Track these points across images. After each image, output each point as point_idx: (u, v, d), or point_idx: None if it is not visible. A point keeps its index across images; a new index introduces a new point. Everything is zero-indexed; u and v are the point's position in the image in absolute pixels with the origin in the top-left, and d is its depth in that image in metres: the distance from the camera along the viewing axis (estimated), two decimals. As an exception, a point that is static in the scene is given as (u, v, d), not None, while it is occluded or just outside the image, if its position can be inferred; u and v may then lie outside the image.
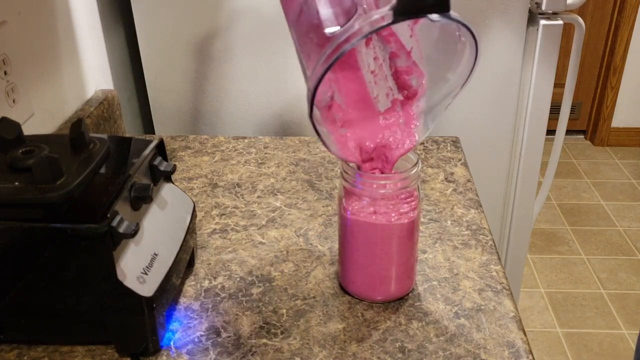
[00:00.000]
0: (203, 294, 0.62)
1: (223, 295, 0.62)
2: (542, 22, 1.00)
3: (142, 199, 0.55)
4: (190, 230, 0.63)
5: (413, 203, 0.57)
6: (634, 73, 2.75)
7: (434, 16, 0.43)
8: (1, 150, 0.53)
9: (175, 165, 0.62)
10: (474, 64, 0.48)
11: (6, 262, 0.51)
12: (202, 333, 0.57)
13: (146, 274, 0.53)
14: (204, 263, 0.67)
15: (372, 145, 0.56)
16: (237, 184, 0.82)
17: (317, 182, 0.83)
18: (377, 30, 0.44)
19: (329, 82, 0.52)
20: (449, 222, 0.73)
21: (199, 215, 0.75)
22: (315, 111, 0.47)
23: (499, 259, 0.67)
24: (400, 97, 0.55)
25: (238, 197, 0.79)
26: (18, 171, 0.51)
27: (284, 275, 0.65)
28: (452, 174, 0.84)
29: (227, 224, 0.74)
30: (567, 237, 2.26)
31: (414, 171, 0.55)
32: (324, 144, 0.51)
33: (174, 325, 0.58)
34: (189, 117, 1.10)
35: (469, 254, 0.67)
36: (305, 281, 0.64)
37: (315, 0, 0.48)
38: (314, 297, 0.62)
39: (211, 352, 0.55)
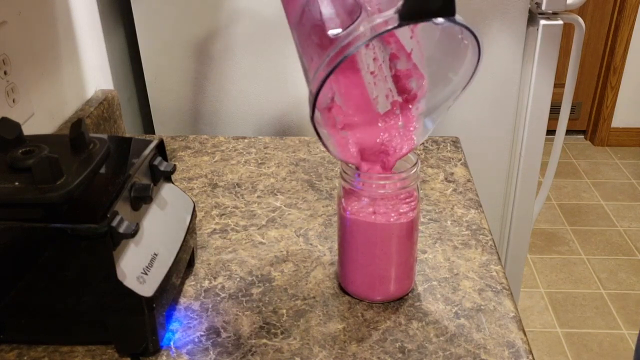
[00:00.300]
0: (203, 294, 0.63)
1: (223, 295, 0.62)
2: (542, 22, 1.00)
3: (142, 199, 0.55)
4: (190, 230, 0.63)
5: (412, 203, 0.57)
6: (634, 73, 2.75)
7: (439, 20, 0.43)
8: (1, 150, 0.53)
9: (175, 165, 0.62)
10: (476, 67, 0.48)
11: (6, 262, 0.51)
12: (202, 333, 0.57)
13: (146, 274, 0.53)
14: (204, 263, 0.67)
15: (371, 147, 0.56)
16: (237, 184, 0.82)
17: (317, 182, 0.83)
18: (382, 34, 0.44)
19: (329, 83, 0.52)
20: (449, 222, 0.73)
21: (199, 215, 0.75)
22: (316, 113, 0.47)
23: (499, 259, 0.67)
24: (400, 99, 0.55)
25: (238, 197, 0.79)
26: (18, 171, 0.51)
27: (284, 275, 0.65)
28: (452, 174, 0.84)
29: (227, 224, 0.74)
30: (567, 237, 2.26)
31: (413, 171, 0.55)
32: (325, 146, 0.51)
33: (174, 325, 0.58)
34: (189, 117, 1.10)
35: (469, 254, 0.67)
36: (305, 281, 0.64)
37: (318, 1, 0.48)
38: (314, 297, 0.62)
39: (211, 352, 0.55)
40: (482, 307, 0.60)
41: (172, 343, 0.56)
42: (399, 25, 0.43)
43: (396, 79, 0.54)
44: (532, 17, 1.01)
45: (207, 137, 0.96)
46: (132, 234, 0.50)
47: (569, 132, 2.90)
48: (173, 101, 1.08)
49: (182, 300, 0.62)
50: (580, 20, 1.05)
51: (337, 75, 0.52)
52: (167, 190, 0.62)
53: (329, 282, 0.64)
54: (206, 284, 0.64)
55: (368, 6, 0.46)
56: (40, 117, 0.82)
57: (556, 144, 1.18)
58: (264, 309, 0.60)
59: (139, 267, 0.53)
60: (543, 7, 1.00)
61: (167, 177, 0.64)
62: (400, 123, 0.55)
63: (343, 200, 0.58)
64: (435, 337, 0.56)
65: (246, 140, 0.94)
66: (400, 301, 0.61)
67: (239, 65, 1.04)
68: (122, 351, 0.55)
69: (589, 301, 1.95)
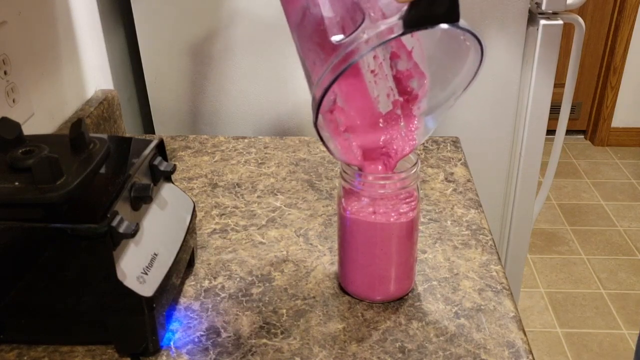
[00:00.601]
0: (203, 294, 0.63)
1: (223, 295, 0.62)
2: (542, 22, 1.00)
3: (142, 199, 0.55)
4: (190, 230, 0.63)
5: (412, 203, 0.57)
6: (634, 73, 2.75)
7: (444, 25, 0.42)
8: (1, 150, 0.53)
9: (175, 165, 0.62)
10: (478, 69, 0.47)
11: (6, 262, 0.51)
12: (202, 333, 0.57)
13: (146, 274, 0.53)
14: (204, 263, 0.67)
15: (374, 148, 0.56)
16: (237, 184, 0.82)
17: (317, 182, 0.83)
18: (387, 42, 0.44)
19: (332, 87, 0.52)
20: (449, 222, 0.73)
21: (199, 215, 0.75)
22: (319, 117, 0.47)
23: (499, 259, 0.67)
24: (401, 100, 0.55)
25: (238, 197, 0.79)
26: (18, 171, 0.51)
27: (284, 275, 0.65)
28: (452, 174, 0.84)
29: (227, 224, 0.74)
30: (567, 237, 2.26)
31: (413, 171, 0.55)
32: (327, 148, 0.51)
33: (174, 325, 0.58)
34: (189, 117, 1.10)
35: (469, 254, 0.67)
36: (305, 281, 0.64)
37: (319, 5, 0.48)
38: (313, 297, 0.62)
39: (211, 352, 0.55)
40: (482, 307, 0.60)
41: (172, 343, 0.56)
42: (404, 33, 0.42)
43: (397, 80, 0.54)
44: (532, 17, 1.01)
45: (207, 137, 0.96)
46: (132, 234, 0.50)
47: (569, 132, 2.90)
48: (173, 101, 1.08)
49: (182, 300, 0.62)
50: (580, 20, 1.05)
51: (339, 78, 0.52)
52: (167, 190, 0.62)
53: (329, 282, 0.64)
54: (206, 284, 0.64)
55: (371, 11, 0.46)
56: (40, 117, 0.82)
57: (556, 144, 1.18)
58: (264, 309, 0.60)
59: (139, 267, 0.53)
60: (543, 7, 1.00)
61: (167, 177, 0.64)
62: (401, 123, 0.55)
63: (343, 200, 0.58)
64: (435, 337, 0.56)
65: (246, 140, 0.94)
66: (400, 301, 0.61)
67: (239, 65, 1.04)
68: (122, 351, 0.55)
69: (589, 301, 1.95)
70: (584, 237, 2.26)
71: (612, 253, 2.17)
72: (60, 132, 0.85)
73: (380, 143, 0.56)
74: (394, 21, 0.43)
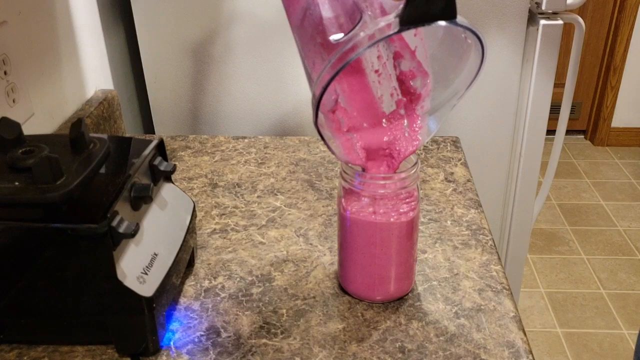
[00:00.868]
0: (203, 294, 0.63)
1: (223, 295, 0.62)
2: (542, 22, 1.00)
3: (142, 199, 0.55)
4: (190, 230, 0.63)
5: (412, 203, 0.57)
6: (634, 73, 2.75)
7: (441, 22, 0.43)
8: (1, 150, 0.53)
9: (175, 165, 0.62)
10: (480, 67, 0.48)
11: (6, 262, 0.51)
12: (202, 333, 0.57)
13: (146, 274, 0.53)
14: (204, 263, 0.67)
15: (377, 147, 0.56)
16: (237, 184, 0.82)
17: (317, 182, 0.83)
18: (384, 39, 0.44)
19: (333, 86, 0.52)
20: (449, 222, 0.73)
21: (199, 215, 0.75)
22: (320, 116, 0.47)
23: (499, 259, 0.67)
24: (404, 99, 0.55)
25: (238, 197, 0.79)
26: (18, 171, 0.51)
27: (284, 275, 0.65)
28: (452, 173, 0.84)
29: (227, 224, 0.74)
30: (567, 237, 2.26)
31: (413, 171, 0.55)
32: (329, 148, 0.51)
33: (174, 325, 0.58)
34: (189, 117, 1.10)
35: (469, 254, 0.67)
36: (305, 281, 0.64)
37: (319, 5, 0.48)
38: (314, 297, 0.62)
39: (211, 352, 0.55)
40: (482, 307, 0.60)
41: (172, 343, 0.56)
42: (400, 31, 0.42)
43: (400, 81, 0.54)
44: (532, 17, 1.01)
45: (207, 137, 0.96)
46: (132, 234, 0.50)
47: (569, 132, 2.91)
48: (173, 101, 1.08)
49: (182, 300, 0.62)
50: (580, 20, 1.05)
51: (341, 77, 0.52)
52: (167, 190, 0.62)
53: (329, 282, 0.64)
54: (206, 284, 0.64)
55: (369, 10, 0.46)
56: (40, 117, 0.82)
57: (556, 144, 1.18)
58: (264, 308, 0.60)
59: (139, 267, 0.53)
60: (543, 7, 1.00)
61: (167, 177, 0.64)
62: (405, 123, 0.55)
63: (343, 200, 0.58)
64: (435, 337, 0.56)
65: (246, 140, 0.94)
66: (400, 301, 0.61)
67: (239, 65, 1.04)
68: (122, 351, 0.55)
69: (589, 301, 1.95)
70: (584, 237, 2.26)
71: (612, 253, 2.17)
72: (60, 132, 0.85)
73: (384, 143, 0.56)
74: (391, 19, 0.43)
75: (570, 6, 1.01)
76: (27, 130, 0.62)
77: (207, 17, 1.01)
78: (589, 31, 2.71)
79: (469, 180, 0.82)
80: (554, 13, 1.01)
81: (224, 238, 0.71)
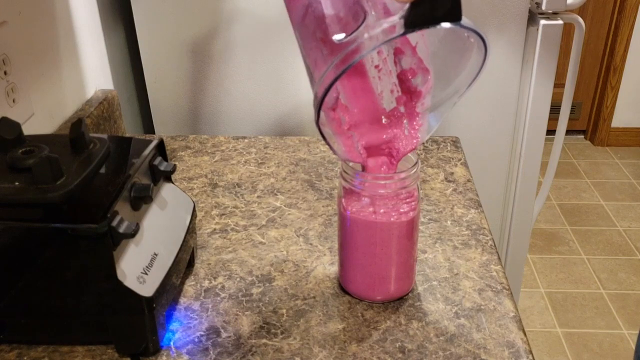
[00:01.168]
0: (203, 294, 0.63)
1: (223, 295, 0.62)
2: (542, 22, 1.00)
3: (142, 199, 0.55)
4: (190, 230, 0.63)
5: (413, 203, 0.57)
6: (634, 73, 2.75)
7: (446, 25, 0.42)
8: (1, 150, 0.53)
9: (175, 165, 0.62)
10: (482, 66, 0.47)
11: (6, 262, 0.51)
12: (202, 333, 0.57)
13: (146, 274, 0.53)
14: (204, 263, 0.67)
15: (378, 145, 0.56)
16: (237, 184, 0.82)
17: (317, 182, 0.83)
18: (388, 42, 0.44)
19: (334, 85, 0.52)
20: (449, 222, 0.73)
21: (199, 215, 0.75)
22: (321, 114, 0.47)
23: (499, 259, 0.67)
24: (404, 97, 0.55)
25: (238, 197, 0.79)
26: (18, 171, 0.51)
27: (284, 275, 0.65)
28: (452, 173, 0.84)
29: (227, 224, 0.74)
30: (567, 237, 2.26)
31: (413, 171, 0.55)
32: (330, 146, 0.51)
33: (174, 325, 0.58)
34: (189, 117, 1.10)
35: (469, 254, 0.67)
36: (305, 281, 0.64)
37: (321, 2, 0.48)
38: (313, 297, 0.62)
39: (211, 352, 0.55)
40: (482, 307, 0.60)
41: (172, 343, 0.56)
42: (405, 33, 0.42)
43: (400, 80, 0.54)
44: (532, 17, 1.01)
45: (207, 137, 0.96)
46: (132, 234, 0.50)
47: (569, 132, 2.90)
48: (173, 101, 1.08)
49: (182, 300, 0.62)
50: (580, 20, 1.05)
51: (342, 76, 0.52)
52: (167, 190, 0.62)
53: (329, 282, 0.64)
54: (206, 284, 0.64)
55: (372, 10, 0.46)
56: (40, 117, 0.82)
57: (556, 144, 1.18)
58: (264, 309, 0.60)
59: (139, 267, 0.53)
60: (543, 7, 1.00)
61: (167, 177, 0.64)
62: (405, 121, 0.55)
63: (343, 200, 0.58)
64: (435, 337, 0.56)
65: (246, 140, 0.94)
66: (400, 301, 0.61)
67: (239, 65, 1.04)
68: (122, 351, 0.55)
69: (589, 301, 1.95)
70: (584, 237, 2.26)
71: (612, 253, 2.17)
72: (60, 132, 0.85)
73: (384, 140, 0.56)
74: (396, 20, 0.43)
75: (570, 6, 1.01)
76: (27, 130, 0.62)
77: (207, 17, 1.01)
78: (589, 31, 2.71)
79: (469, 180, 0.82)
80: (554, 13, 1.01)
81: (224, 238, 0.71)
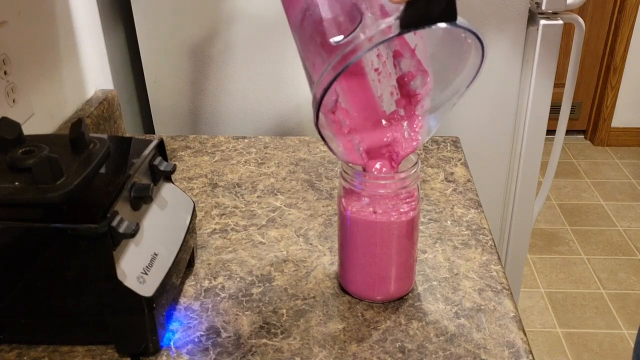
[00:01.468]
0: (203, 294, 0.63)
1: (223, 295, 0.62)
2: (542, 22, 1.00)
3: (142, 199, 0.55)
4: (190, 230, 0.63)
5: (413, 203, 0.57)
6: (634, 73, 2.75)
7: (441, 24, 0.42)
8: (1, 150, 0.53)
9: (175, 165, 0.62)
10: (480, 67, 0.47)
11: (6, 262, 0.51)
12: (202, 333, 0.57)
13: (146, 274, 0.53)
14: (204, 263, 0.67)
15: (378, 147, 0.56)
16: (237, 184, 0.82)
17: (317, 182, 0.83)
18: (384, 42, 0.44)
19: (333, 86, 0.52)
20: (449, 222, 0.73)
21: (199, 215, 0.75)
22: (320, 116, 0.47)
23: (499, 259, 0.67)
24: (404, 100, 0.55)
25: (238, 197, 0.79)
26: (18, 171, 0.51)
27: (284, 275, 0.65)
28: (452, 173, 0.84)
29: (227, 224, 0.74)
30: (567, 237, 2.26)
31: (413, 171, 0.55)
32: (330, 148, 0.51)
33: (174, 325, 0.58)
34: (189, 117, 1.10)
35: (469, 254, 0.67)
36: (305, 281, 0.64)
37: (318, 6, 0.48)
38: (314, 297, 0.62)
39: (211, 352, 0.55)
40: (482, 307, 0.60)
41: (172, 343, 0.56)
42: (400, 33, 0.42)
43: (400, 85, 0.54)
44: (532, 17, 1.01)
45: (207, 137, 0.96)
46: (132, 234, 0.50)
47: (569, 132, 2.90)
48: (173, 101, 1.08)
49: (182, 300, 0.62)
50: (580, 20, 1.05)
51: (341, 77, 0.52)
52: (167, 190, 0.62)
53: (329, 282, 0.64)
54: (206, 284, 0.64)
55: (369, 12, 0.46)
56: (40, 117, 0.82)
57: (556, 144, 1.18)
58: (264, 309, 0.60)
59: (139, 267, 0.53)
60: (543, 7, 1.00)
61: (167, 177, 0.64)
62: (404, 123, 0.55)
63: (343, 200, 0.58)
64: (435, 337, 0.56)
65: (246, 140, 0.94)
66: (400, 301, 0.61)
67: (239, 65, 1.04)
68: (122, 351, 0.55)
69: (589, 301, 1.95)
70: (584, 237, 2.26)
71: (612, 253, 2.17)
72: (60, 132, 0.85)
73: (384, 143, 0.56)
74: (391, 21, 0.43)
75: (570, 6, 1.01)
76: (27, 130, 0.62)
77: (207, 17, 1.01)
78: (589, 31, 2.71)
79: (469, 180, 0.82)
80: (554, 13, 1.01)
81: (224, 238, 0.71)
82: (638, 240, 2.23)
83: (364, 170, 0.56)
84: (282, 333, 0.57)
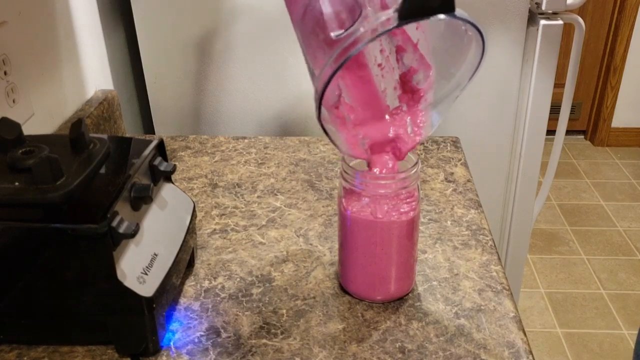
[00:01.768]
0: (203, 294, 0.62)
1: (223, 295, 0.62)
2: (542, 22, 1.00)
3: (142, 199, 0.55)
4: (190, 231, 0.63)
5: (413, 203, 0.57)
6: (634, 73, 2.75)
7: (440, 16, 0.43)
8: (1, 151, 0.53)
9: (175, 166, 0.62)
10: (481, 59, 0.48)
11: (6, 262, 0.51)
12: (202, 333, 0.57)
13: (146, 274, 0.53)
14: (204, 263, 0.67)
15: (381, 142, 0.56)
16: (237, 184, 0.82)
17: (317, 182, 0.83)
18: (383, 34, 0.44)
19: (336, 81, 0.52)
20: (449, 222, 0.73)
21: (199, 215, 0.75)
22: (323, 110, 0.47)
23: (499, 259, 0.67)
24: (407, 96, 0.55)
25: (238, 197, 0.79)
26: (18, 171, 0.51)
27: (284, 275, 0.65)
28: (452, 174, 0.84)
29: (227, 224, 0.74)
30: (567, 237, 2.26)
31: (413, 171, 0.55)
32: (333, 143, 0.51)
33: (174, 326, 0.58)
34: (189, 117, 1.10)
35: (469, 254, 0.67)
36: (305, 281, 0.64)
37: (319, 0, 0.48)
38: (314, 297, 0.62)
39: (211, 353, 0.55)
40: (482, 307, 0.60)
41: (172, 343, 0.56)
42: (399, 25, 0.43)
43: (403, 82, 0.54)
44: (532, 17, 1.01)
45: (207, 137, 0.96)
46: (132, 234, 0.50)
47: (568, 132, 2.90)
48: (173, 101, 1.08)
49: (182, 301, 0.62)
50: (580, 20, 1.05)
51: (344, 72, 0.52)
52: (167, 191, 0.62)
53: (329, 282, 0.64)
54: (206, 284, 0.64)
55: (369, 5, 0.46)
56: (40, 117, 0.82)
57: (556, 144, 1.18)
58: (264, 309, 0.60)
59: (139, 267, 0.53)
60: (543, 7, 1.00)
61: (167, 177, 0.64)
62: (407, 118, 0.55)
63: (343, 200, 0.58)
64: (435, 337, 0.56)
65: (246, 141, 0.94)
66: (400, 301, 0.61)
67: (239, 64, 1.04)
68: (122, 351, 0.55)
69: (589, 301, 1.95)
70: (584, 237, 2.26)
71: (612, 253, 2.17)
72: (60, 132, 0.85)
73: (388, 138, 0.56)
74: (390, 13, 0.43)
75: (570, 6, 1.01)
76: (27, 130, 0.62)
77: (207, 17, 1.01)
78: (589, 31, 2.71)
79: (469, 181, 0.82)
80: (554, 13, 1.01)
81: (224, 238, 0.71)
82: (638, 241, 2.23)
83: (368, 164, 0.56)
84: (282, 333, 0.57)
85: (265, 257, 0.68)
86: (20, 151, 0.52)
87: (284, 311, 0.60)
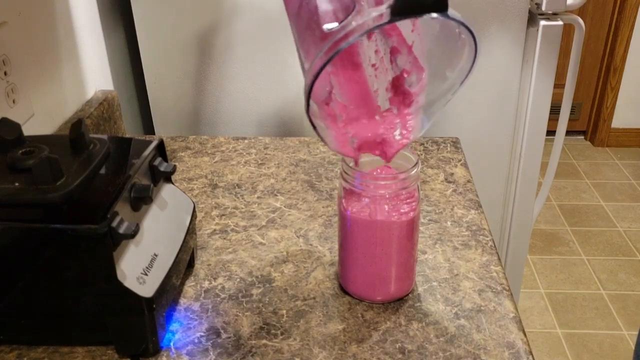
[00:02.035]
0: (203, 294, 0.62)
1: (223, 296, 0.62)
2: (542, 22, 1.00)
3: (142, 200, 0.55)
4: (190, 231, 0.63)
5: (413, 204, 0.57)
6: (634, 73, 2.75)
7: (432, 14, 0.43)
8: (1, 151, 0.53)
9: (175, 166, 0.62)
10: (473, 61, 0.48)
11: (6, 263, 0.51)
12: (202, 334, 0.57)
13: (146, 274, 0.53)
14: (204, 264, 0.67)
15: (371, 141, 0.56)
16: (237, 185, 0.82)
17: (317, 182, 0.83)
18: (375, 29, 0.44)
19: (328, 77, 0.52)
20: (449, 223, 0.73)
21: (199, 215, 0.75)
22: (313, 105, 0.47)
23: (499, 259, 0.67)
24: (398, 98, 0.55)
25: (238, 197, 0.79)
26: (18, 172, 0.51)
27: (284, 275, 0.65)
28: (452, 174, 0.84)
29: (227, 225, 0.74)
30: (567, 237, 2.26)
31: (413, 172, 0.55)
32: (321, 138, 0.52)
33: (174, 326, 0.58)
34: (189, 117, 1.10)
35: (469, 255, 0.67)
36: (305, 282, 0.64)
37: None
38: (314, 298, 0.62)
39: (211, 353, 0.55)
40: (482, 307, 0.60)
41: (172, 344, 0.56)
42: (391, 21, 0.43)
43: (395, 87, 0.54)
44: (532, 18, 1.01)
45: (207, 137, 0.96)
46: (132, 234, 0.50)
47: (569, 132, 2.90)
48: (173, 101, 1.08)
49: (182, 301, 0.62)
50: (580, 20, 1.05)
51: (337, 70, 0.52)
52: (167, 191, 0.62)
53: (329, 282, 0.64)
54: (206, 284, 0.64)
55: (363, 1, 0.46)
56: (40, 118, 0.82)
57: (556, 144, 1.18)
58: (264, 309, 0.60)
59: (139, 267, 0.53)
60: (543, 8, 1.00)
61: (167, 177, 0.64)
62: (397, 121, 0.55)
63: (343, 200, 0.58)
64: (435, 337, 0.56)
65: (246, 141, 0.94)
66: (400, 302, 0.61)
67: (239, 65, 1.04)
68: (122, 352, 0.55)
69: (589, 302, 1.95)
70: (584, 237, 2.26)
71: (612, 254, 2.17)
72: (60, 132, 0.85)
73: (377, 137, 0.56)
74: (383, 9, 0.43)
75: (570, 7, 1.01)
76: (27, 130, 0.62)
77: (207, 17, 1.01)
78: (589, 32, 2.71)
79: (469, 181, 0.82)
80: (554, 14, 1.01)
81: (224, 239, 0.71)
82: (638, 241, 2.23)
83: (355, 163, 0.56)
84: (282, 334, 0.57)
85: (265, 257, 0.68)
86: (20, 151, 0.52)
87: (284, 312, 0.60)
